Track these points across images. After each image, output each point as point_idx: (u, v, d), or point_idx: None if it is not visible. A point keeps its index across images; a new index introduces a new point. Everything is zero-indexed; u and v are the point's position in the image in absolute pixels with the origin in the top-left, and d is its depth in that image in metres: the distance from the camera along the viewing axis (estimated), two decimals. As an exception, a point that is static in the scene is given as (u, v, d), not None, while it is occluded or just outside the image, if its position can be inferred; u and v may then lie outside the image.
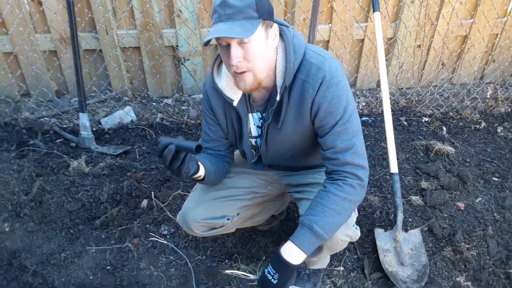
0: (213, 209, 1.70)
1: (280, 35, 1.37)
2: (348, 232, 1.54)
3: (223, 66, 1.46)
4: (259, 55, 1.27)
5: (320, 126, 1.40)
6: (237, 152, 1.88)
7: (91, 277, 1.93)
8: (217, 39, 1.24)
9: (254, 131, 1.58)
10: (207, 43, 1.24)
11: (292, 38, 1.36)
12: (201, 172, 1.48)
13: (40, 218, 2.18)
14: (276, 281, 1.35)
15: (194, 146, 1.21)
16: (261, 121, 1.54)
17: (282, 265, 1.35)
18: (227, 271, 1.52)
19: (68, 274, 1.93)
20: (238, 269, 1.97)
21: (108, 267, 1.98)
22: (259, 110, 1.52)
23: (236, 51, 1.23)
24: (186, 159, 1.27)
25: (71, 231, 2.14)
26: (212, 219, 1.70)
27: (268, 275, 1.37)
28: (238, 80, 1.32)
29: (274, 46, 1.33)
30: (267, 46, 1.29)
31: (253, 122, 1.55)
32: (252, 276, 1.48)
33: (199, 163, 1.46)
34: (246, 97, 1.49)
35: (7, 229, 2.09)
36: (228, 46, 1.24)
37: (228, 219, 1.75)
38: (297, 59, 1.35)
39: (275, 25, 1.32)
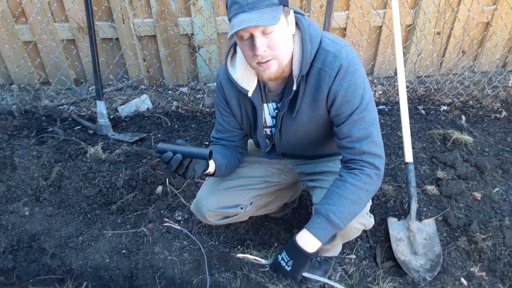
0: (226, 198, 1.71)
1: (296, 24, 1.35)
2: (362, 220, 1.54)
3: (237, 57, 1.45)
4: (283, 42, 1.25)
5: (336, 115, 1.39)
6: (250, 141, 1.89)
7: (107, 260, 1.98)
8: (239, 31, 1.20)
9: (269, 121, 1.58)
10: (232, 36, 1.23)
11: (308, 26, 1.35)
12: (211, 169, 1.47)
13: (59, 202, 2.25)
14: (290, 268, 1.36)
15: (207, 154, 1.23)
16: (276, 111, 1.53)
17: (297, 253, 1.36)
18: (239, 255, 1.53)
19: (85, 256, 1.99)
20: (251, 254, 1.99)
21: (124, 251, 2.03)
22: (274, 100, 1.51)
23: (261, 41, 1.21)
24: (190, 166, 1.29)
25: (88, 216, 2.20)
26: (226, 208, 1.71)
27: (282, 261, 1.38)
28: (262, 70, 1.29)
29: (292, 33, 1.32)
30: (288, 33, 1.28)
31: (268, 112, 1.55)
32: (263, 261, 1.49)
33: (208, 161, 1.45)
34: (261, 87, 1.48)
35: (27, 213, 2.16)
36: (251, 38, 1.22)
37: (241, 208, 1.76)
38: (314, 47, 1.33)
39: (292, 12, 1.31)
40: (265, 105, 1.53)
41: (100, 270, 1.95)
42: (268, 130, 1.61)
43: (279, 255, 1.40)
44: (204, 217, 1.73)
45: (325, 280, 1.60)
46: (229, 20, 1.23)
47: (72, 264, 1.97)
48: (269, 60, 1.26)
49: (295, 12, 1.36)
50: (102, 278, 1.93)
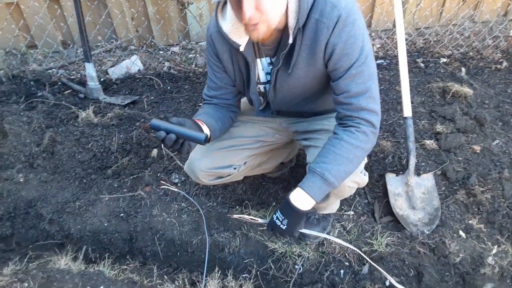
0: (219, 158, 1.68)
1: None
2: (356, 178, 1.52)
3: (228, 8, 1.35)
4: (273, 4, 1.17)
5: (334, 69, 1.32)
6: (244, 99, 1.83)
7: (105, 224, 1.98)
8: None
9: (262, 77, 1.50)
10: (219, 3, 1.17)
11: None
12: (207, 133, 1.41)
13: (53, 168, 2.22)
14: (285, 226, 1.36)
15: (202, 139, 1.20)
16: (271, 66, 1.45)
17: (291, 211, 1.35)
18: (235, 216, 1.52)
19: (84, 221, 1.99)
20: (249, 214, 1.99)
21: (122, 214, 2.02)
22: (268, 55, 1.43)
23: (248, 3, 1.13)
24: (185, 143, 1.27)
25: (84, 181, 2.18)
26: (219, 169, 1.69)
27: (277, 220, 1.37)
28: (250, 31, 1.22)
29: None
30: None
31: (261, 67, 1.47)
32: (260, 220, 1.49)
33: (203, 125, 1.41)
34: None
35: (21, 180, 2.13)
36: None
37: (234, 168, 1.74)
38: None
39: None
40: (258, 60, 1.45)
41: (99, 234, 1.95)
42: (261, 87, 1.54)
43: (274, 215, 1.40)
44: (197, 177, 1.71)
45: (323, 235, 1.61)
46: None
47: (71, 229, 1.96)
48: (257, 23, 1.18)
49: None
50: (101, 242, 1.94)
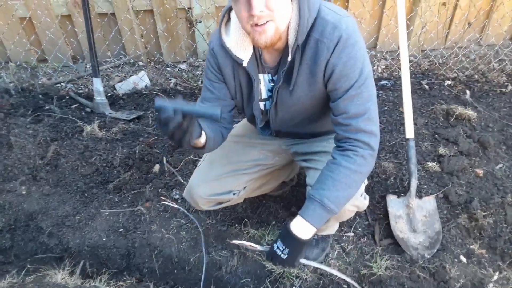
0: (218, 185, 1.68)
1: None
2: (356, 202, 1.51)
3: (231, 23, 1.37)
4: (282, 3, 1.18)
5: (333, 90, 1.32)
6: (243, 122, 1.84)
7: (104, 239, 1.98)
8: None
9: (264, 94, 1.50)
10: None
11: None
12: (202, 139, 1.35)
13: (56, 181, 2.24)
14: (286, 256, 1.34)
15: (218, 114, 1.01)
16: (272, 83, 1.46)
17: (291, 240, 1.33)
18: (234, 242, 1.50)
19: (83, 235, 1.99)
20: (248, 233, 1.99)
21: (121, 230, 2.03)
22: (270, 72, 1.44)
23: (258, 0, 1.14)
24: (189, 129, 1.13)
25: (85, 194, 2.19)
26: (218, 195, 1.69)
27: (278, 250, 1.35)
28: (257, 34, 1.21)
29: None
30: None
31: (263, 83, 1.47)
32: (259, 247, 1.45)
33: (202, 128, 1.35)
34: (257, 56, 1.40)
35: (24, 192, 2.16)
36: None
37: (234, 194, 1.73)
38: (311, 16, 1.25)
39: None
40: (260, 75, 1.45)
41: (98, 248, 1.95)
42: (262, 104, 1.53)
43: (274, 244, 1.37)
44: (196, 204, 1.71)
45: (322, 266, 1.58)
46: None
47: (70, 242, 1.97)
48: (266, 23, 1.18)
49: None
50: (99, 257, 1.93)
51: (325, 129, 1.65)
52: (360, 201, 1.53)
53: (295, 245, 1.34)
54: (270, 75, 1.44)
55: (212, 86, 1.50)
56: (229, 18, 1.38)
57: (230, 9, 1.36)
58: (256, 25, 1.19)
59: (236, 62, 1.40)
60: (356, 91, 1.29)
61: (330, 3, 1.34)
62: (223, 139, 1.56)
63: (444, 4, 3.14)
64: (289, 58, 1.31)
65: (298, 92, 1.40)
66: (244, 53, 1.36)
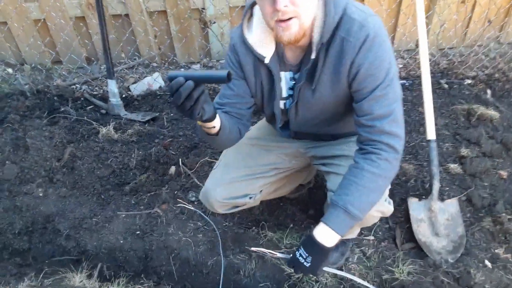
0: (235, 188, 1.65)
1: None
2: (380, 207, 1.47)
3: (254, 19, 1.34)
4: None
5: (357, 90, 1.29)
6: (259, 125, 1.81)
7: (121, 241, 1.97)
8: None
9: (284, 92, 1.46)
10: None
11: None
12: (217, 123, 1.28)
13: (72, 183, 2.23)
14: (309, 264, 1.30)
15: (225, 75, 1.02)
16: (293, 81, 1.42)
17: (315, 248, 1.30)
18: (254, 249, 1.47)
19: (100, 238, 1.98)
20: (265, 236, 1.96)
21: (138, 232, 2.01)
22: (291, 70, 1.40)
23: None
24: (200, 99, 1.08)
25: (102, 197, 2.18)
26: (234, 199, 1.66)
27: (300, 258, 1.32)
28: (281, 30, 1.18)
29: None
30: None
31: (284, 81, 1.43)
32: (279, 255, 1.43)
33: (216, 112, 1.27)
34: (279, 53, 1.37)
35: (41, 194, 2.16)
36: None
37: (250, 198, 1.71)
38: (337, 13, 1.22)
39: None
40: (282, 73, 1.41)
41: (115, 251, 1.94)
42: (282, 103, 1.49)
43: (296, 251, 1.34)
44: (212, 207, 1.69)
45: (346, 274, 1.54)
46: None
47: (87, 245, 1.96)
48: (290, 19, 1.15)
49: None
50: (116, 259, 1.92)
51: (346, 130, 1.61)
52: (385, 207, 1.48)
53: (319, 253, 1.30)
54: (291, 72, 1.41)
55: (232, 83, 1.47)
56: (252, 14, 1.35)
57: (253, 5, 1.33)
58: (280, 20, 1.16)
59: (257, 59, 1.37)
60: (382, 92, 1.25)
61: (356, 1, 1.30)
62: (240, 136, 1.51)
63: (463, 1, 3.07)
64: (313, 56, 1.28)
65: (321, 91, 1.36)
66: (266, 50, 1.34)
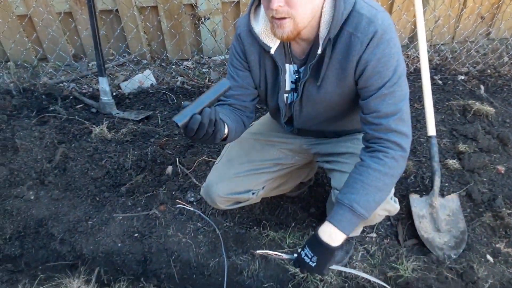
0: (237, 184, 1.62)
1: None
2: (387, 206, 1.44)
3: (261, 9, 1.30)
4: (303, 1, 1.12)
5: (364, 87, 1.26)
6: (262, 120, 1.77)
7: (119, 245, 1.91)
8: None
9: (288, 85, 1.42)
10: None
11: None
12: (226, 132, 1.29)
13: (65, 185, 2.15)
14: (315, 263, 1.27)
15: (226, 84, 1.07)
16: (296, 75, 1.39)
17: (321, 248, 1.26)
18: (259, 252, 1.43)
19: (96, 241, 1.92)
20: (267, 236, 1.92)
21: (136, 234, 1.95)
22: (296, 63, 1.37)
23: None
24: (216, 126, 1.11)
25: (97, 199, 2.11)
26: (237, 194, 1.63)
27: (306, 257, 1.29)
28: (275, 26, 1.17)
29: None
30: None
31: (288, 74, 1.40)
32: (285, 256, 1.39)
33: (223, 121, 1.29)
34: (286, 45, 1.33)
35: (32, 197, 2.07)
36: None
37: (253, 193, 1.67)
38: (347, 8, 1.19)
39: None
40: (287, 65, 1.38)
41: (112, 254, 1.87)
42: (285, 96, 1.45)
43: (302, 251, 1.31)
44: (214, 202, 1.65)
45: (354, 271, 1.52)
46: None
47: (83, 249, 1.89)
48: (284, 18, 1.13)
49: None
50: (114, 263, 1.86)
51: (350, 127, 1.59)
52: (391, 205, 1.46)
53: (324, 252, 1.27)
54: (296, 65, 1.37)
55: (236, 74, 1.44)
56: (259, 3, 1.31)
57: None
58: (274, 17, 1.14)
59: (263, 50, 1.34)
60: (389, 90, 1.23)
61: None
62: (245, 128, 1.50)
63: (457, -3, 3.09)
64: (319, 51, 1.24)
65: (326, 87, 1.33)
66: (272, 41, 1.31)
